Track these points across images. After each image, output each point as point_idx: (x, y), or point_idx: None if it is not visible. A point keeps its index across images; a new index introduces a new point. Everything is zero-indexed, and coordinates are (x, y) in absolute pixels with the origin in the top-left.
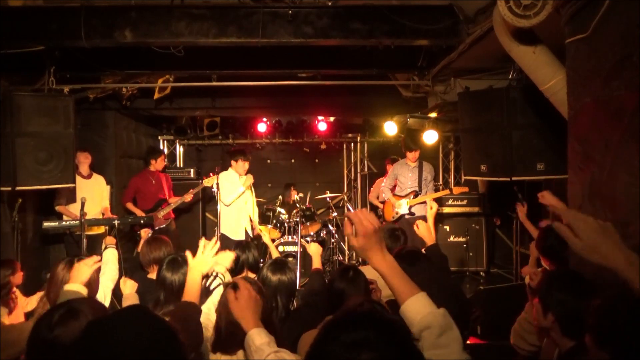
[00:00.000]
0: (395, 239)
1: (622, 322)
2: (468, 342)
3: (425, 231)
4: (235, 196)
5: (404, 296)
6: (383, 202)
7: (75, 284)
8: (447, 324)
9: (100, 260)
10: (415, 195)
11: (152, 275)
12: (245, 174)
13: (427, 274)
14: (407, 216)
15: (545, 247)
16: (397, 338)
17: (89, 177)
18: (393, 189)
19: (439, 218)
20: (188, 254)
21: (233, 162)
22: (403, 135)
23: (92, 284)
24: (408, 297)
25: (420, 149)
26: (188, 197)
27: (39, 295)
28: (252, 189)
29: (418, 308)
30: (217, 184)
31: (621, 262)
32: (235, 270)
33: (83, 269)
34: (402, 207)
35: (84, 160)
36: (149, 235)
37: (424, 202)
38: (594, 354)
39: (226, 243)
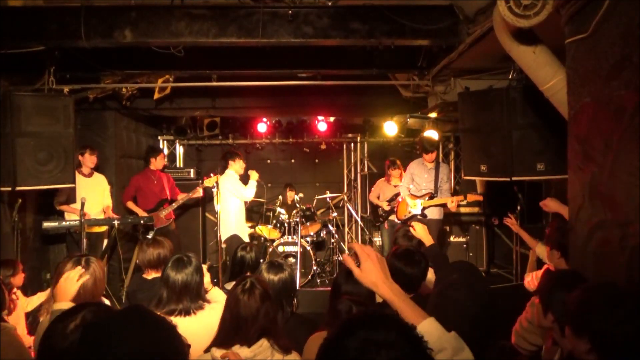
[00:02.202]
0: (409, 239)
1: (596, 311)
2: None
3: (422, 232)
4: (253, 189)
5: (414, 321)
6: (391, 199)
7: (64, 302)
8: (459, 346)
9: (85, 272)
10: (431, 197)
11: (147, 275)
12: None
13: (458, 276)
14: (418, 216)
15: (559, 241)
16: (414, 342)
17: (89, 175)
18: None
19: None
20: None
21: (231, 162)
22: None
23: (98, 283)
24: (419, 322)
25: (437, 150)
26: (195, 194)
27: (39, 295)
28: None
29: (430, 331)
30: (217, 183)
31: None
32: (237, 272)
33: (69, 286)
34: (417, 208)
35: (90, 163)
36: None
37: (437, 205)
38: (572, 342)
39: (238, 242)
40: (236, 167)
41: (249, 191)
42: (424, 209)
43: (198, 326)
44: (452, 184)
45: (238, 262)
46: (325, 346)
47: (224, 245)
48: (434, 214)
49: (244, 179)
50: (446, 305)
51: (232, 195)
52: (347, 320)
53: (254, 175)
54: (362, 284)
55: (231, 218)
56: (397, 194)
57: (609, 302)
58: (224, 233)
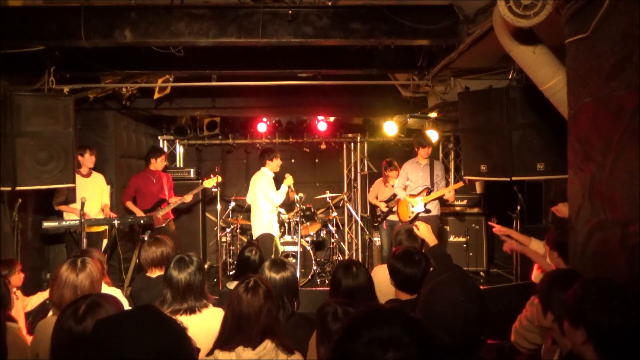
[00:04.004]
0: (414, 239)
1: (591, 303)
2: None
3: (425, 232)
4: (283, 196)
5: None
6: (389, 200)
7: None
8: None
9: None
10: (429, 192)
11: (151, 274)
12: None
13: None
14: (422, 214)
15: (558, 242)
16: (422, 336)
17: (88, 175)
18: (404, 189)
19: (439, 218)
20: None
21: (268, 162)
22: (413, 134)
23: (95, 283)
24: None
25: (432, 147)
26: (188, 198)
27: (39, 295)
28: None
29: None
30: (217, 183)
31: None
32: (242, 272)
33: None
34: (418, 206)
35: (89, 163)
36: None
37: (437, 199)
38: (570, 334)
39: (270, 239)
40: (273, 165)
41: (278, 197)
42: (425, 204)
43: (203, 325)
44: (452, 183)
45: (243, 262)
46: (333, 350)
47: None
48: (432, 210)
49: (279, 178)
50: (438, 301)
51: (263, 196)
52: (352, 321)
53: (288, 181)
54: (360, 277)
55: (264, 217)
56: (395, 195)
57: (603, 294)
58: (258, 231)
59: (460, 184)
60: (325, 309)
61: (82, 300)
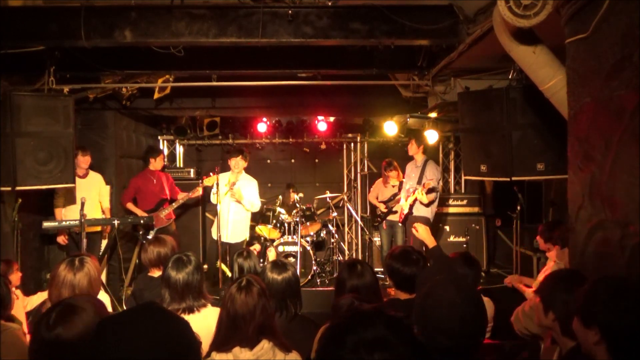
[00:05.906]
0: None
1: (602, 302)
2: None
3: (424, 234)
4: (219, 195)
5: None
6: (389, 200)
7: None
8: None
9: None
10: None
11: (152, 273)
12: (238, 172)
13: (443, 275)
14: (410, 215)
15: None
16: (406, 334)
17: (84, 176)
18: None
19: (439, 218)
20: None
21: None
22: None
23: (93, 282)
24: None
25: (414, 140)
26: (195, 193)
27: (39, 294)
28: (237, 188)
29: None
30: (217, 183)
31: None
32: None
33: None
34: (406, 207)
35: (83, 164)
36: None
37: (421, 202)
38: (581, 334)
39: (215, 245)
40: (231, 164)
41: (213, 197)
42: (411, 206)
43: (202, 324)
44: (452, 184)
45: (238, 271)
46: (320, 357)
47: None
48: (420, 211)
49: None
50: (434, 305)
51: None
52: (332, 329)
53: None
54: (366, 276)
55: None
56: (395, 194)
57: (614, 294)
58: None
59: (420, 187)
60: (341, 302)
61: (56, 307)
